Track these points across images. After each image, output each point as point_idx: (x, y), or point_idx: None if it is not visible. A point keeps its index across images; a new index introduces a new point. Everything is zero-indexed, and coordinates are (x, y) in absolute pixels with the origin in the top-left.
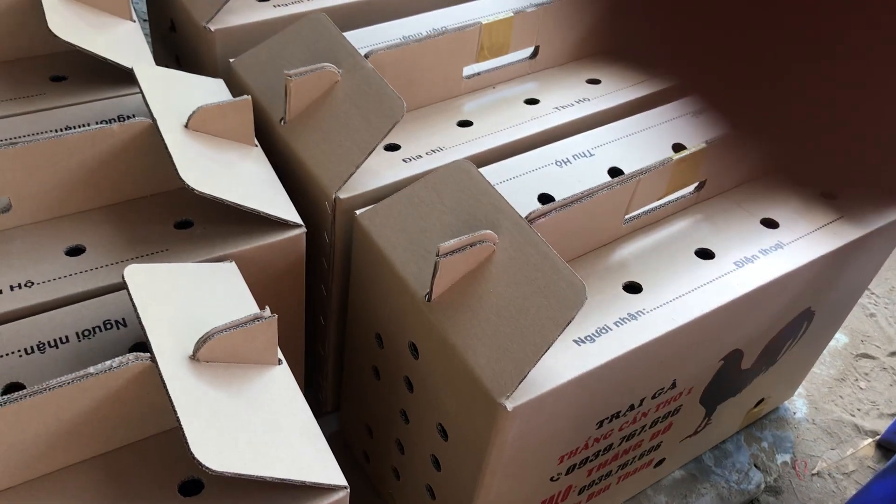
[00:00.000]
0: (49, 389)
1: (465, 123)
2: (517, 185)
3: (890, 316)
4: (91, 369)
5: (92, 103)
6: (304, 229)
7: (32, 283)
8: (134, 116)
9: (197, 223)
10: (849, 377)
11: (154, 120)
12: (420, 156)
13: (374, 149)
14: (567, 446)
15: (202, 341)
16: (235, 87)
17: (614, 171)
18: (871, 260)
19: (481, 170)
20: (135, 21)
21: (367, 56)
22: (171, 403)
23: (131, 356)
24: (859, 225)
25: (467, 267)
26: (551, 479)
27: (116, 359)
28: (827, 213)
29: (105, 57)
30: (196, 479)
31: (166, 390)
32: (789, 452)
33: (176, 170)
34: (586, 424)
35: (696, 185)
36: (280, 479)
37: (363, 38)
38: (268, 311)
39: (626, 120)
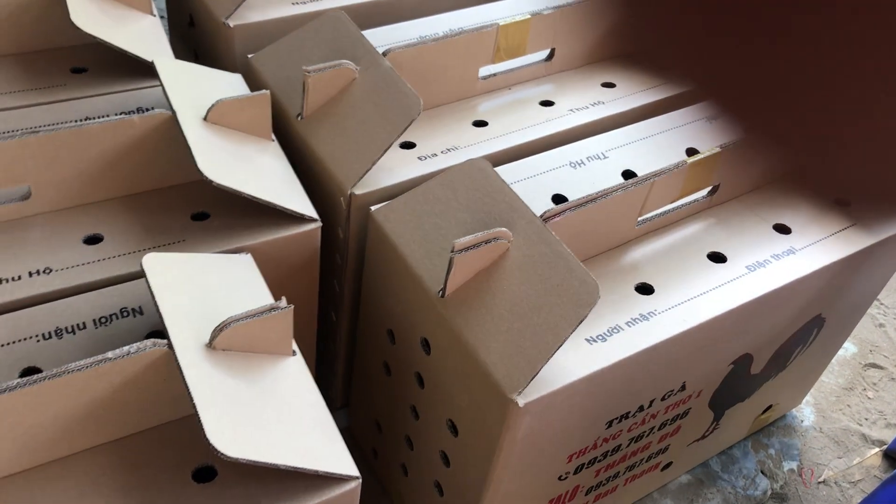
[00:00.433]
0: (68, 372)
1: (480, 123)
2: (531, 185)
3: None
4: (109, 354)
5: (111, 95)
6: (319, 223)
7: (51, 270)
8: (153, 109)
9: (213, 215)
10: (857, 387)
11: (174, 112)
12: (435, 154)
13: (390, 146)
14: (576, 445)
15: (219, 329)
16: (253, 83)
17: (628, 174)
18: (882, 268)
19: (496, 169)
20: (155, 15)
21: (384, 54)
22: (188, 390)
23: (149, 342)
24: (872, 233)
25: (481, 264)
26: (559, 478)
27: (134, 344)
28: (840, 220)
29: (126, 50)
30: (210, 466)
31: (183, 377)
32: (796, 460)
33: (195, 162)
34: (596, 424)
35: (709, 188)
36: (293, 467)
37: (380, 37)
38: (284, 302)
39: (640, 123)
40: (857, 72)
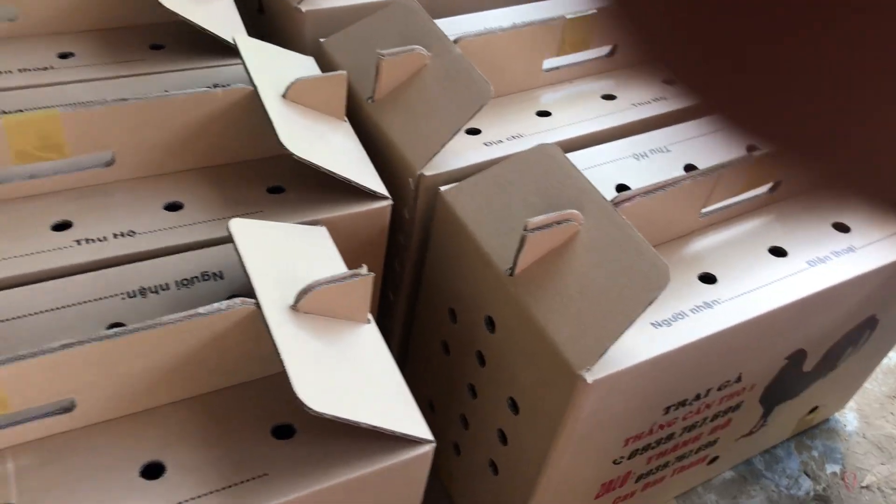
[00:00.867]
0: (160, 325)
1: (543, 113)
2: (595, 174)
3: None
4: (200, 310)
5: (188, 71)
6: (390, 201)
7: (134, 233)
8: (228, 85)
9: (288, 189)
10: None
11: (255, 88)
12: (500, 141)
13: (459, 130)
14: (634, 429)
15: (303, 292)
16: (324, 66)
17: (689, 168)
18: None
19: None
20: None
21: (455, 42)
22: (276, 347)
23: (238, 300)
24: None
25: (551, 244)
26: (614, 462)
27: (224, 302)
28: None
29: (206, 28)
30: (288, 425)
31: (271, 335)
32: (839, 463)
33: (277, 135)
34: (654, 408)
35: (770, 185)
36: (374, 426)
37: (448, 27)
38: (364, 269)
39: (702, 119)
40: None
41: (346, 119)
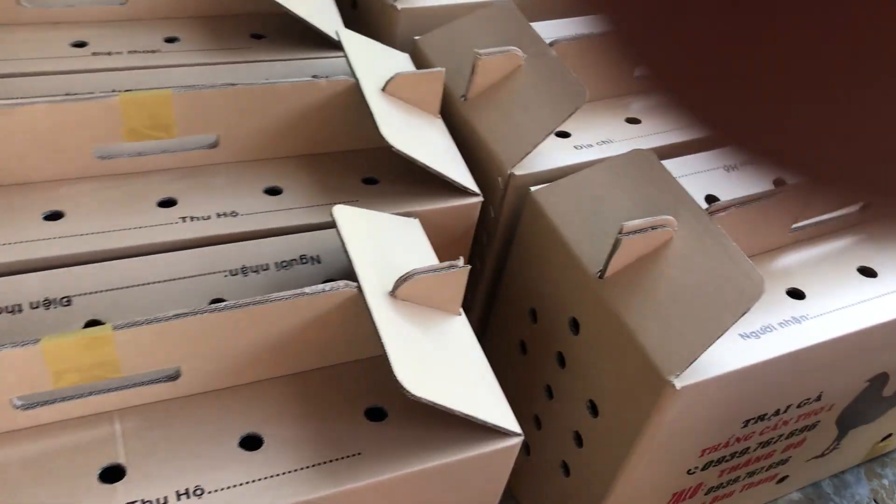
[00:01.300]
0: (268, 302)
1: (633, 121)
2: (685, 182)
3: None
4: (306, 289)
5: (286, 61)
6: (481, 198)
7: (236, 214)
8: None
9: (382, 181)
10: None
11: (357, 80)
12: (590, 145)
13: (552, 132)
14: (711, 440)
15: (403, 279)
16: (417, 64)
17: (778, 182)
18: None
19: None
20: None
21: (550, 45)
22: (377, 330)
23: (341, 283)
24: None
25: (644, 249)
26: (688, 472)
27: (329, 283)
28: None
29: (307, 20)
30: (380, 408)
31: (372, 318)
32: None
33: (377, 128)
34: (734, 421)
35: (861, 204)
36: (467, 415)
37: (543, 31)
38: (461, 262)
39: None
40: None
41: (439, 116)
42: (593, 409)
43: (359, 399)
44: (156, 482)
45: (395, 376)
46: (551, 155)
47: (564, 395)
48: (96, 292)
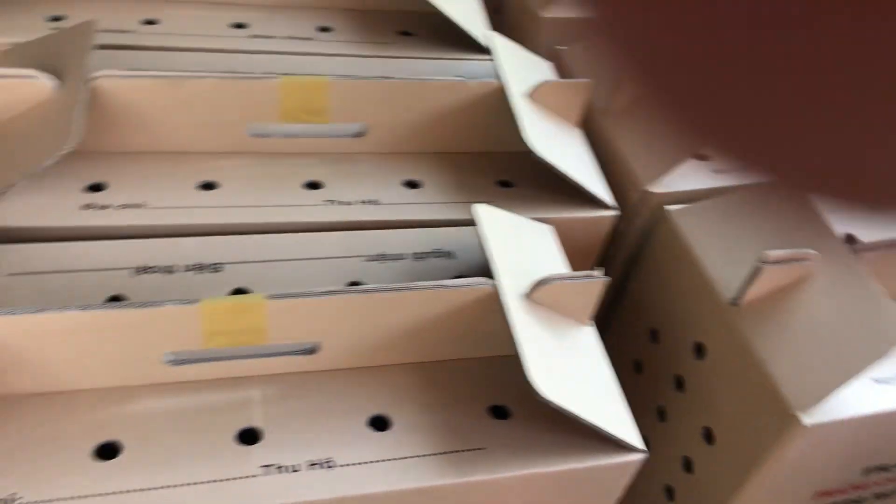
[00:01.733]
0: (410, 289)
1: None
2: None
3: None
4: (446, 282)
5: (434, 60)
6: (616, 211)
7: (378, 202)
8: (474, 78)
9: (516, 185)
10: None
11: (504, 84)
12: (730, 170)
13: (694, 153)
14: (828, 483)
15: (540, 283)
16: (560, 73)
17: None
18: None
19: None
20: None
21: None
22: (512, 329)
23: (481, 279)
24: None
25: (783, 280)
26: None
27: (468, 278)
28: None
29: (457, 22)
30: (504, 407)
31: (508, 316)
32: None
33: (522, 132)
34: (854, 467)
35: None
36: (593, 424)
37: None
38: (599, 272)
39: None
40: None
41: (580, 127)
42: (708, 436)
43: (484, 395)
44: (290, 449)
45: (526, 376)
46: (689, 176)
47: (679, 418)
48: (245, 262)
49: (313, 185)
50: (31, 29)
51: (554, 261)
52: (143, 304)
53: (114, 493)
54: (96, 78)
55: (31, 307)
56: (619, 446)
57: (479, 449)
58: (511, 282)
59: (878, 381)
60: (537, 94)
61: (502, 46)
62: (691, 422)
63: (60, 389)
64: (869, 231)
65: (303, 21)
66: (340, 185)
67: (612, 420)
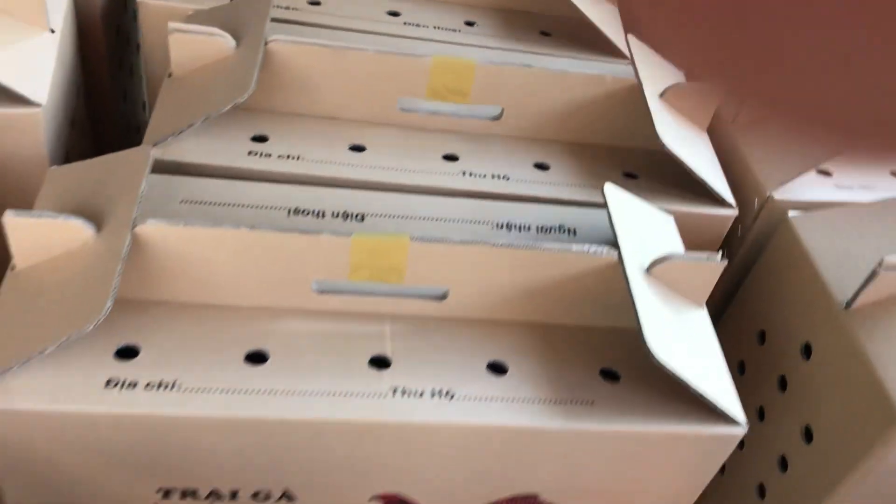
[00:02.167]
0: (539, 249)
1: None
2: None
3: None
4: (573, 246)
5: (572, 59)
6: (735, 211)
7: (508, 178)
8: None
9: (641, 177)
10: None
11: (640, 82)
12: (852, 187)
13: (817, 165)
14: None
15: (660, 260)
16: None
17: None
18: None
19: None
20: (613, 5)
21: None
22: (631, 297)
23: (606, 248)
24: None
25: None
26: None
27: (594, 246)
28: None
29: (597, 25)
30: (614, 371)
31: (628, 286)
32: None
33: (654, 128)
34: None
35: None
36: (701, 392)
37: None
38: (719, 256)
39: None
40: None
41: (706, 132)
42: (808, 436)
43: (596, 358)
44: (415, 377)
45: (641, 345)
46: (811, 188)
47: (778, 418)
48: (385, 216)
49: (450, 158)
50: None
51: (674, 244)
52: (304, 231)
53: (260, 391)
54: (270, 41)
55: (207, 219)
56: (723, 418)
57: (589, 402)
58: (633, 256)
59: None
60: (669, 95)
61: (638, 49)
62: (791, 421)
63: (218, 303)
64: None
65: (451, 14)
66: (475, 160)
67: (719, 393)
